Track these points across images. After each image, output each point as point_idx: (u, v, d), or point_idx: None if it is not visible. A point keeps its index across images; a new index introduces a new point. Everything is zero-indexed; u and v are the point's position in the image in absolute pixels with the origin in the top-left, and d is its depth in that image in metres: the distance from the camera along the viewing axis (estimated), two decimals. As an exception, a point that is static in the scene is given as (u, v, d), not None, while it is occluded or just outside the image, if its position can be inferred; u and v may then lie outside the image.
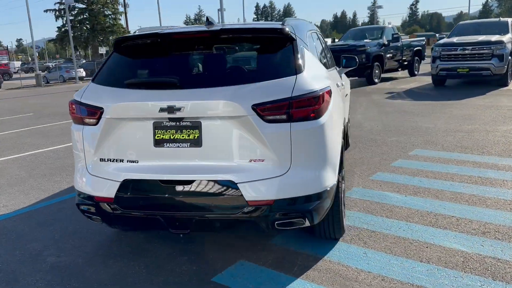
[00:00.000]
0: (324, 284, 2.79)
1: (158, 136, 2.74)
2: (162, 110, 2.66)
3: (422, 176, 4.83)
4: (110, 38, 51.15)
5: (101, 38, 51.97)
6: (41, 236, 3.81)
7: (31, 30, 31.33)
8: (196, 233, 3.50)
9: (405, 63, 16.81)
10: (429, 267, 2.93)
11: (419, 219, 3.72)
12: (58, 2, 50.53)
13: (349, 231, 3.55)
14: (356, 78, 15.96)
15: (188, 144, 2.70)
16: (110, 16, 52.09)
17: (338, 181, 3.06)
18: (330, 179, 2.84)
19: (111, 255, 3.37)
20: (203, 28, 3.07)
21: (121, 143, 2.83)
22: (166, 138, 2.73)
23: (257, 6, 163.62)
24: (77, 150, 3.02)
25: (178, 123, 2.70)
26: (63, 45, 54.19)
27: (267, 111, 2.61)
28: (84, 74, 34.65)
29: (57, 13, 51.21)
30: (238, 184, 2.64)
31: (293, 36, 2.99)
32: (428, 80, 14.47)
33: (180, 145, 2.72)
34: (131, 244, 3.54)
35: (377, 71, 15.10)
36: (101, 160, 2.88)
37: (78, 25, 51.15)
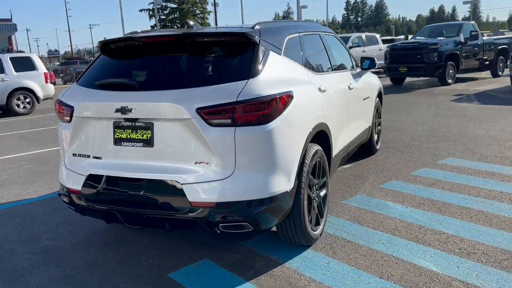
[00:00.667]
0: (267, 291, 2.78)
1: (117, 135, 2.91)
2: (117, 110, 2.83)
3: (438, 187, 4.50)
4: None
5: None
6: (49, 220, 4.20)
7: (123, 29, 33.87)
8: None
9: (487, 62, 15.48)
10: (385, 284, 2.77)
11: (406, 233, 3.50)
12: (152, 2, 53.78)
13: (325, 239, 3.46)
14: (427, 78, 15.06)
15: (142, 144, 2.84)
16: (198, 15, 54.32)
17: (299, 187, 3.00)
18: (280, 185, 2.81)
19: (96, 243, 3.63)
20: (169, 32, 3.18)
21: (88, 140, 3.04)
22: (123, 137, 2.89)
23: (347, 2, 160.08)
24: (60, 145, 3.30)
25: (133, 123, 2.84)
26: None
27: (211, 115, 2.65)
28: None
29: (151, 12, 54.54)
30: (182, 185, 2.72)
31: (256, 40, 2.98)
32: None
33: (135, 144, 2.86)
34: (119, 234, 3.78)
35: (451, 71, 14.10)
36: (74, 155, 3.12)
37: (169, 24, 54.09)
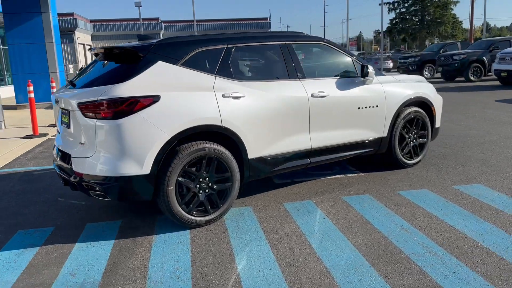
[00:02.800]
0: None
1: (62, 118, 4.17)
2: (55, 101, 4.08)
3: (403, 215, 4.12)
4: (439, 29, 50.23)
5: (430, 30, 51.50)
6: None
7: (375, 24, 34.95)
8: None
9: None
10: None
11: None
12: (393, -5, 52.96)
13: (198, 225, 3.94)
14: None
15: (66, 125, 4.02)
16: (443, 7, 50.64)
17: (164, 175, 3.64)
18: (130, 169, 3.55)
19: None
20: (102, 46, 4.17)
21: (58, 121, 4.40)
22: (63, 119, 4.13)
23: None
24: None
25: (64, 110, 4.04)
26: (391, 37, 56.79)
27: (83, 109, 3.62)
28: (391, 65, 35.76)
29: (390, 6, 53.80)
30: (71, 158, 3.79)
31: (141, 54, 3.74)
32: None
33: (65, 125, 4.06)
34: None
35: None
36: (58, 132, 4.53)
37: (408, 16, 52.38)
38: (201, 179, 3.89)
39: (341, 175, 5.36)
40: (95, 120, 3.57)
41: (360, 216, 4.03)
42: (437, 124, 5.81)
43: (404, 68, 22.16)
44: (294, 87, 4.45)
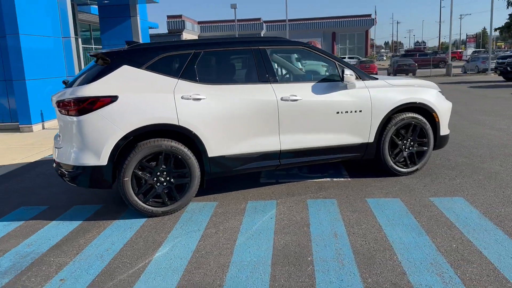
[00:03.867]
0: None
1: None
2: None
3: (348, 221, 4.11)
4: None
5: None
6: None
7: (491, 20, 32.40)
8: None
9: None
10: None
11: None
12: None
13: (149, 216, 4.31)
14: None
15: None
16: None
17: (121, 167, 4.11)
18: (88, 160, 4.07)
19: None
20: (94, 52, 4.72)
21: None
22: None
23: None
24: None
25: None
26: (510, 33, 51.26)
27: (59, 106, 4.22)
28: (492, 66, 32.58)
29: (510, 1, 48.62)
30: (55, 148, 4.43)
31: (109, 59, 4.23)
32: None
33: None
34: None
35: None
36: None
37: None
38: (158, 173, 4.28)
39: (328, 179, 5.35)
40: (66, 116, 4.15)
41: (306, 219, 4.08)
42: (443, 131, 5.47)
43: (502, 69, 20.14)
44: (262, 91, 4.61)
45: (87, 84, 4.15)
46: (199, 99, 4.34)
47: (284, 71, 5.18)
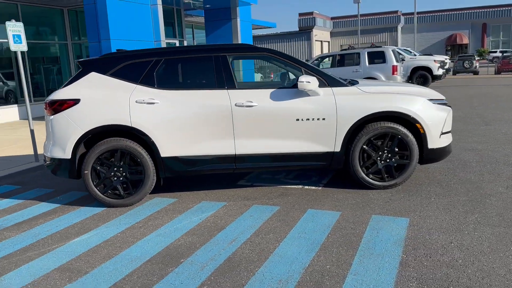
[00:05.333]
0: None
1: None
2: (57, 100, 5.65)
3: (252, 228, 4.10)
4: None
5: None
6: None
7: None
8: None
9: None
10: (51, 229, 4.29)
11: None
12: None
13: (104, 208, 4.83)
14: None
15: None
16: None
17: (81, 160, 4.75)
18: (57, 153, 4.79)
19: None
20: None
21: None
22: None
23: None
24: None
25: (61, 107, 5.56)
26: None
27: (45, 107, 5.02)
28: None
29: None
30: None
31: (81, 65, 4.88)
32: None
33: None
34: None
35: None
36: None
37: None
38: (115, 168, 4.80)
39: (299, 186, 5.26)
40: (46, 115, 4.93)
41: (227, 223, 4.18)
42: (434, 144, 4.90)
43: None
44: (217, 97, 4.78)
45: (62, 88, 4.87)
46: (153, 103, 4.73)
47: (246, 78, 5.23)
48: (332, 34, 56.19)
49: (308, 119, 4.77)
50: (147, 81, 4.84)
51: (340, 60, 15.84)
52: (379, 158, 4.90)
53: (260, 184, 5.46)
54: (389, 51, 15.03)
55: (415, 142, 4.85)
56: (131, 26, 12.17)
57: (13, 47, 7.21)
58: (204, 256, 3.51)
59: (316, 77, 4.80)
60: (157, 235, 4.01)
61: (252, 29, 21.08)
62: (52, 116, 4.80)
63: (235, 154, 4.83)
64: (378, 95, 4.84)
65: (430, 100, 4.95)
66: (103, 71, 4.88)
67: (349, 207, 4.45)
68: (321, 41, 53.17)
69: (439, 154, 5.01)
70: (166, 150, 4.78)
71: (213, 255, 3.51)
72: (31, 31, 14.75)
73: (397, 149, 4.89)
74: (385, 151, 4.88)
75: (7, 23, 7.13)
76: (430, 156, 4.96)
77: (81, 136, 4.73)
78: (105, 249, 3.77)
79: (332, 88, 4.84)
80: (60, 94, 4.82)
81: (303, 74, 4.86)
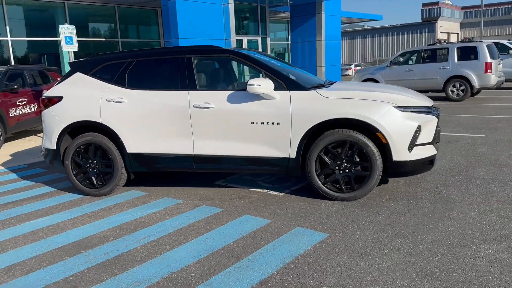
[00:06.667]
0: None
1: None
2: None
3: (175, 227, 4.15)
4: None
5: None
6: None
7: None
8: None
9: None
10: (23, 211, 4.89)
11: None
12: None
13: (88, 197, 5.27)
14: None
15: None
16: None
17: (65, 152, 5.31)
18: (48, 144, 5.40)
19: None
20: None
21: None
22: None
23: None
24: None
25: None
26: None
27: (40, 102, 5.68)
28: None
29: None
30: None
31: (70, 66, 5.40)
32: None
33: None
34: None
35: None
36: None
37: None
38: (90, 161, 5.25)
39: (265, 191, 5.13)
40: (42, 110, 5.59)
41: (154, 220, 4.32)
42: (401, 156, 4.38)
43: None
44: (178, 97, 4.91)
45: (54, 86, 5.46)
46: (120, 101, 5.05)
47: (209, 79, 5.22)
48: (463, 25, 51.21)
49: (263, 123, 4.64)
50: (119, 81, 5.17)
51: (428, 56, 14.53)
52: (337, 168, 4.55)
53: (233, 185, 5.45)
54: (482, 46, 13.33)
55: (376, 152, 4.40)
56: (202, 25, 12.77)
57: (65, 47, 8.18)
58: (103, 250, 3.71)
59: (273, 80, 4.64)
60: (91, 226, 4.32)
61: (358, 22, 20.25)
62: (44, 111, 5.42)
63: (194, 155, 4.91)
64: (339, 100, 4.48)
65: (399, 107, 4.42)
66: (86, 71, 5.35)
67: (285, 216, 4.24)
68: (448, 33, 48.82)
69: (412, 167, 4.46)
70: (131, 146, 5.07)
71: (110, 250, 3.70)
72: (127, 30, 16.37)
73: (358, 159, 4.49)
74: (344, 161, 4.51)
75: (60, 26, 8.11)
76: (399, 169, 4.45)
77: (62, 130, 5.27)
78: (40, 233, 4.19)
79: (290, 92, 4.63)
80: (50, 91, 5.42)
81: (261, 77, 4.72)
